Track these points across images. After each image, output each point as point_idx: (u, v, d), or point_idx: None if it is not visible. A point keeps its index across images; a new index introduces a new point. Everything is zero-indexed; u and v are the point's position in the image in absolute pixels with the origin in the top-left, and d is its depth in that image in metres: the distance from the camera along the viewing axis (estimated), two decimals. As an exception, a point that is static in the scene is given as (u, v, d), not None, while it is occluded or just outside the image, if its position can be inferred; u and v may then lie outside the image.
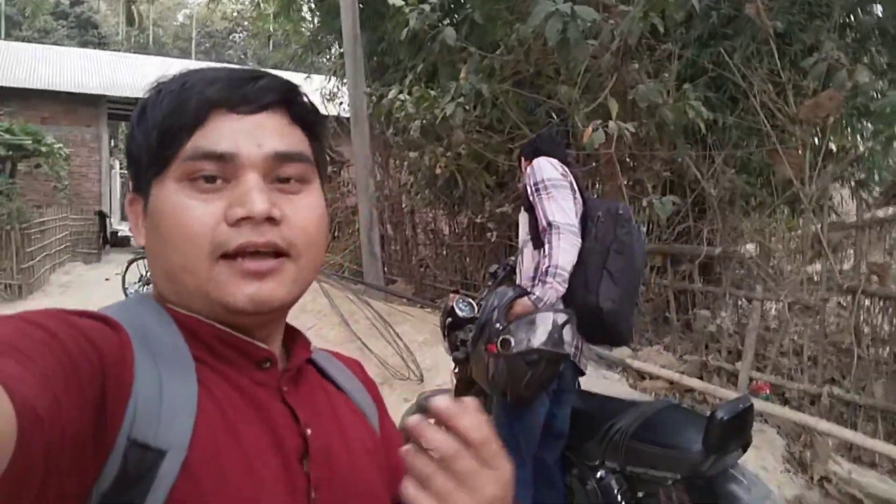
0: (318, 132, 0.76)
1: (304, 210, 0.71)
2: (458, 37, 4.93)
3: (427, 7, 4.71)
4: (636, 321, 4.74)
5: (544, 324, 2.35)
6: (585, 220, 2.56)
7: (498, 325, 2.39)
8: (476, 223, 7.54)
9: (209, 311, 0.68)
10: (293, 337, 0.80)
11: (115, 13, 38.67)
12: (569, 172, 2.64)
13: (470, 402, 0.57)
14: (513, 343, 2.32)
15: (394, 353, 5.41)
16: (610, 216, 2.52)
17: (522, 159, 2.86)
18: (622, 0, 4.56)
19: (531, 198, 2.55)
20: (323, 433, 0.73)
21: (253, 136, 0.68)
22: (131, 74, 17.61)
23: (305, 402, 0.74)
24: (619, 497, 2.35)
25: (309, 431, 0.71)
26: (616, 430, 2.37)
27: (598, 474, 2.41)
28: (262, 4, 11.51)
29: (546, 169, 2.55)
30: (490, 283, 2.98)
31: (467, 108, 5.29)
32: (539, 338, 2.32)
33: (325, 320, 5.92)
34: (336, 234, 10.17)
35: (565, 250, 2.40)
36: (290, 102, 0.72)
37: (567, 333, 2.37)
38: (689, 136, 5.50)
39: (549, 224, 2.44)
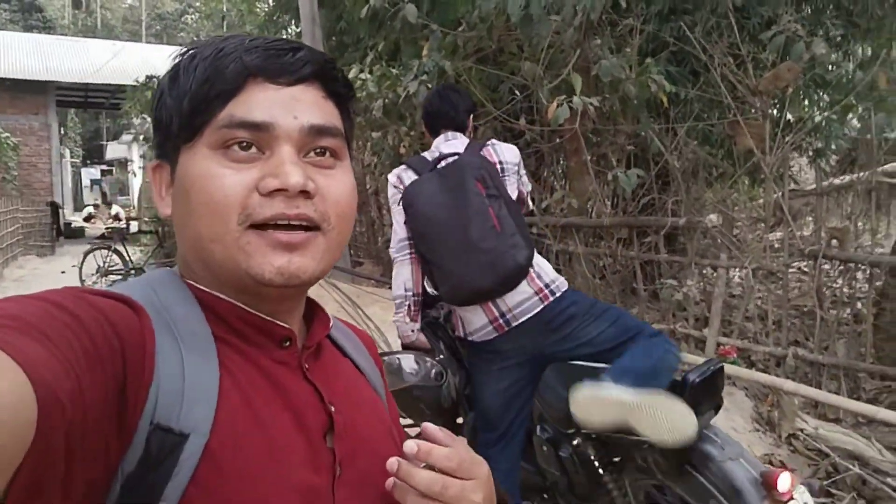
0: (349, 108, 0.76)
1: (338, 184, 0.70)
2: (420, 14, 4.88)
3: (388, -17, 4.66)
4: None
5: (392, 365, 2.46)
6: None
7: None
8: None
9: (236, 283, 0.67)
10: (313, 311, 0.79)
11: (60, -4, 37.39)
12: (423, 156, 2.51)
13: (434, 431, 0.68)
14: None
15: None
16: (405, 210, 2.37)
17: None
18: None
19: None
20: (345, 409, 0.73)
21: (289, 107, 0.67)
22: (80, 59, 17.05)
23: (326, 379, 0.74)
24: (595, 462, 2.38)
25: (333, 408, 0.71)
26: None
27: (574, 441, 2.42)
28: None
29: (389, 187, 2.49)
30: None
31: (430, 85, 5.26)
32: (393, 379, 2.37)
33: (294, 304, 5.87)
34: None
35: (396, 274, 2.47)
36: (326, 76, 0.71)
37: (408, 367, 2.45)
38: (653, 110, 5.56)
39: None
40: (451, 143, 2.49)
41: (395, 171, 2.49)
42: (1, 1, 29.41)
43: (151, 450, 0.57)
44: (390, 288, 7.01)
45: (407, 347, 2.63)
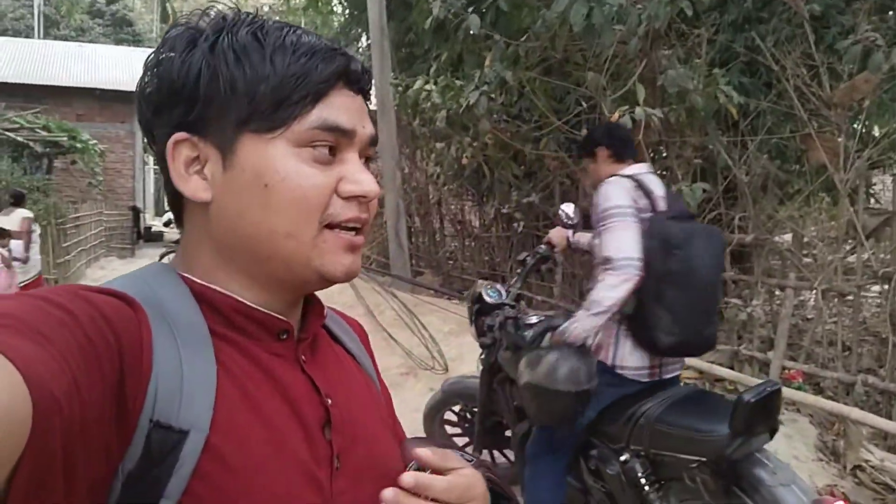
0: None
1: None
2: (484, 24, 4.89)
3: (450, -5, 4.68)
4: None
5: (548, 360, 2.34)
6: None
7: (522, 351, 2.48)
8: (503, 213, 7.50)
9: (291, 278, 0.69)
10: (308, 301, 0.78)
11: (150, 10, 39.28)
12: (638, 180, 2.45)
13: (429, 456, 0.69)
14: (526, 377, 2.36)
15: (419, 344, 5.41)
16: (661, 243, 2.34)
17: (584, 156, 2.72)
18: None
19: (598, 227, 2.44)
20: (342, 401, 0.73)
21: (361, 115, 0.70)
22: (164, 71, 17.87)
23: (323, 371, 0.74)
24: (643, 480, 2.34)
25: (330, 401, 0.71)
26: (642, 414, 2.36)
27: (622, 457, 2.40)
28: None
29: (611, 195, 2.39)
30: (519, 272, 2.99)
31: (492, 97, 5.25)
32: (538, 374, 2.32)
33: (350, 311, 5.84)
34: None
35: (612, 286, 2.30)
36: (368, 88, 0.74)
37: (581, 372, 2.32)
38: (722, 122, 5.39)
39: (605, 259, 2.34)
40: (650, 179, 2.49)
41: (620, 183, 2.41)
42: (95, 16, 31.15)
43: (152, 447, 0.57)
44: (449, 298, 6.98)
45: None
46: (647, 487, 2.33)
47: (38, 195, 10.52)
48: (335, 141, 0.68)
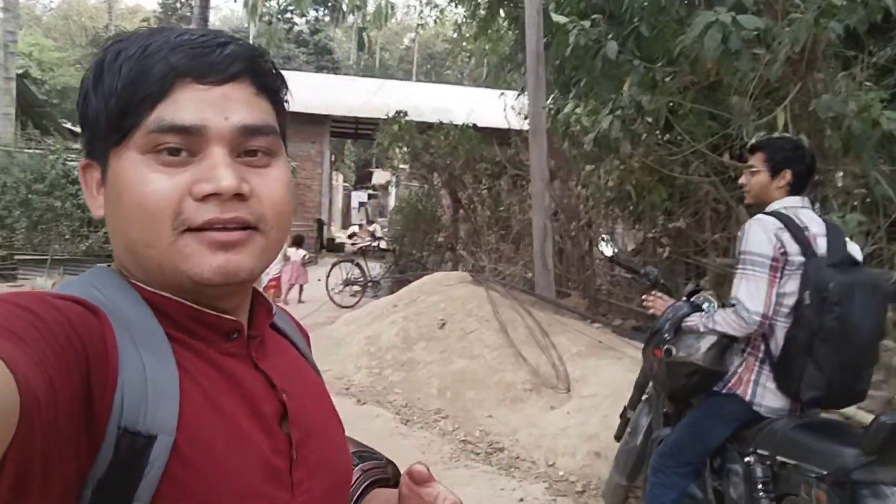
0: (282, 101, 0.74)
1: (273, 183, 0.69)
2: (624, 50, 4.93)
3: (587, 23, 4.78)
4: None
5: (707, 342, 2.55)
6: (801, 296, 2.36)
7: (666, 335, 2.70)
8: (649, 238, 7.36)
9: (174, 284, 0.67)
10: (254, 299, 0.78)
11: (349, 39, 42.57)
12: (789, 218, 2.38)
13: (423, 472, 0.76)
14: (674, 352, 2.62)
15: (546, 362, 5.50)
16: (817, 296, 2.28)
17: (760, 154, 2.56)
18: (795, 6, 4.29)
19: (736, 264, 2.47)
20: (295, 394, 0.75)
21: (220, 108, 0.66)
22: (352, 95, 19.37)
23: (274, 365, 0.75)
24: (759, 484, 2.36)
25: (285, 395, 0.73)
26: (775, 423, 2.42)
27: (747, 459, 2.44)
28: (462, 27, 12.14)
29: (752, 240, 2.37)
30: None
31: (634, 121, 5.26)
32: (698, 354, 2.55)
33: (486, 325, 6.17)
34: (518, 245, 10.41)
35: (728, 324, 2.44)
36: (257, 71, 0.70)
37: (728, 355, 2.57)
38: (884, 149, 4.96)
39: (732, 298, 2.42)
40: (805, 215, 2.45)
41: (765, 226, 2.39)
42: (300, 45, 34.37)
43: (121, 453, 0.58)
44: (592, 322, 6.95)
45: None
46: (762, 496, 2.34)
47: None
48: (183, 141, 0.65)
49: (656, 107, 4.88)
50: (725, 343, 2.55)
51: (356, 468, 0.91)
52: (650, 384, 3.09)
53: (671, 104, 5.38)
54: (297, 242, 11.97)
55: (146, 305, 0.67)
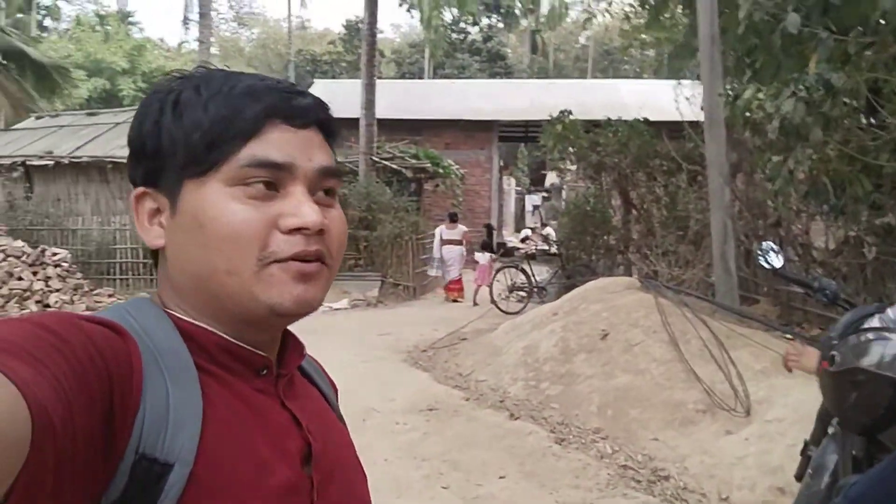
0: (335, 148, 0.80)
1: (337, 221, 0.74)
2: (810, 23, 4.24)
3: (763, -8, 4.16)
4: None
5: (882, 345, 2.01)
6: None
7: (834, 340, 2.18)
8: (852, 237, 6.36)
9: (238, 314, 0.70)
10: (285, 339, 0.80)
11: (522, 43, 42.58)
12: None
13: None
14: (838, 359, 2.08)
15: (723, 380, 4.88)
16: None
17: None
18: None
19: None
20: (319, 436, 0.75)
21: (305, 149, 0.71)
22: (520, 98, 19.22)
23: (301, 406, 0.76)
24: None
25: (311, 436, 0.74)
26: None
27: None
28: (631, 17, 11.48)
29: None
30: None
31: (823, 102, 4.50)
32: (869, 358, 2.01)
33: (653, 337, 5.63)
34: (698, 247, 9.57)
35: None
36: (325, 120, 0.75)
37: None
38: None
39: None
40: None
41: None
42: (473, 53, 34.87)
43: (137, 478, 0.58)
44: (785, 334, 6.20)
45: None
46: None
47: (402, 213, 12.16)
48: (272, 176, 0.68)
49: (851, 85, 4.11)
50: None
51: None
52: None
53: (875, 81, 4.56)
54: (485, 247, 12.94)
55: (178, 335, 0.68)
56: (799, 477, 2.78)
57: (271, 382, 0.74)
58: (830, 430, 2.53)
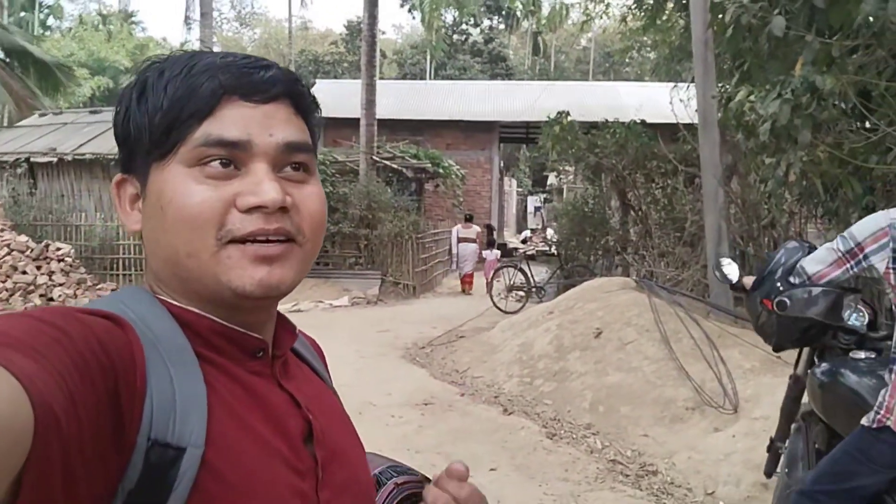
0: (314, 123, 0.78)
1: (311, 198, 0.72)
2: (795, 26, 4.32)
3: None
4: None
5: (826, 296, 2.31)
6: None
7: (779, 284, 2.43)
8: (844, 239, 6.42)
9: (213, 296, 0.69)
10: (277, 320, 0.80)
11: (524, 45, 42.64)
12: None
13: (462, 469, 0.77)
14: (788, 305, 2.35)
15: (713, 379, 4.96)
16: None
17: None
18: None
19: None
20: (319, 415, 0.76)
21: (264, 125, 0.69)
22: (521, 100, 19.29)
23: (298, 386, 0.77)
24: None
25: (311, 415, 0.74)
26: None
27: None
28: (627, 20, 11.56)
29: None
30: None
31: (808, 105, 4.58)
32: (817, 308, 2.32)
33: (646, 336, 5.71)
34: (695, 248, 9.64)
35: None
36: (295, 93, 0.74)
37: (848, 311, 2.36)
38: None
39: None
40: None
41: None
42: (475, 55, 34.98)
43: (151, 465, 0.58)
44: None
45: None
46: None
47: (402, 213, 12.25)
48: (228, 154, 0.67)
49: (838, 88, 4.20)
50: (847, 299, 2.35)
51: (389, 481, 0.88)
52: (801, 409, 2.61)
53: (865, 84, 4.63)
54: (491, 244, 14.06)
55: (174, 321, 0.68)
56: (769, 473, 2.87)
57: (267, 364, 0.74)
58: (794, 426, 2.63)
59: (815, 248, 2.39)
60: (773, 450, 2.84)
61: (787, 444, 2.71)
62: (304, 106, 0.75)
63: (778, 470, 2.79)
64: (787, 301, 2.34)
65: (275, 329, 0.78)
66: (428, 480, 0.90)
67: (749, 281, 2.65)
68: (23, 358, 0.48)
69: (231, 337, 0.71)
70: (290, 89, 0.73)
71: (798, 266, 2.36)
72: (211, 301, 0.69)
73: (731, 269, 2.72)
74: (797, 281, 2.36)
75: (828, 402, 2.39)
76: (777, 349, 2.73)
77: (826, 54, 4.17)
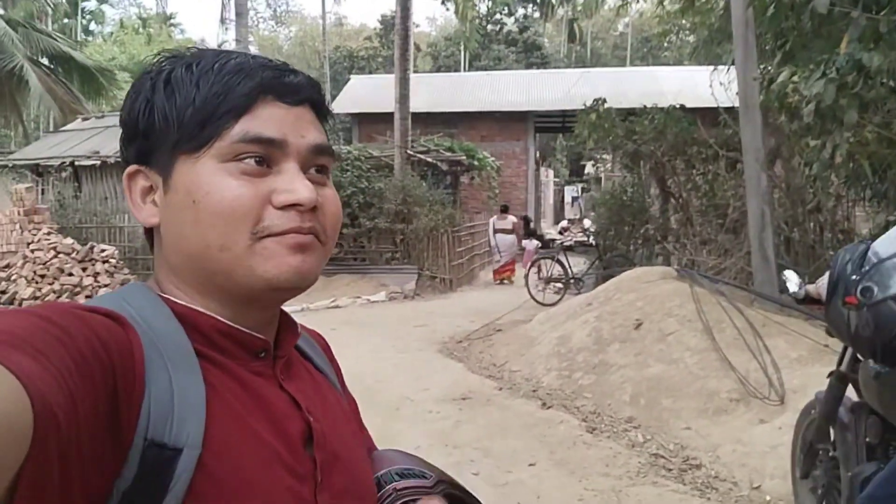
0: (327, 129, 0.80)
1: (330, 200, 0.74)
2: (839, 1, 4.14)
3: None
4: None
5: None
6: None
7: (854, 276, 2.14)
8: (892, 222, 6.18)
9: (234, 290, 0.70)
10: (280, 320, 0.80)
11: (559, 32, 42.14)
12: None
13: None
14: (876, 290, 2.05)
15: (757, 369, 4.82)
16: None
17: None
18: None
19: None
20: (319, 416, 0.75)
21: (296, 126, 0.71)
22: (556, 89, 19.05)
23: (299, 387, 0.76)
24: None
25: (311, 417, 0.74)
26: None
27: None
28: (665, 2, 11.28)
29: None
30: None
31: (856, 84, 4.39)
32: None
33: (688, 326, 5.58)
34: (738, 235, 9.40)
35: None
36: (316, 100, 0.76)
37: None
38: None
39: None
40: None
41: None
42: (509, 45, 34.70)
43: (147, 465, 0.58)
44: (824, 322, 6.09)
45: None
46: None
47: (438, 207, 12.22)
48: (264, 152, 0.68)
49: (886, 65, 4.01)
50: None
51: (389, 486, 0.86)
52: (843, 398, 2.49)
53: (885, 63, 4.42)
54: (531, 234, 14.65)
55: (176, 321, 0.68)
56: (805, 474, 2.76)
57: (269, 365, 0.74)
58: (845, 418, 2.49)
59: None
60: (812, 451, 2.73)
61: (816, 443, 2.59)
62: (323, 112, 0.77)
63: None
64: (873, 285, 2.05)
65: (277, 330, 0.78)
66: (443, 482, 0.89)
67: (820, 289, 2.43)
68: (23, 356, 0.48)
69: (234, 336, 0.71)
70: (314, 95, 0.75)
71: (870, 252, 2.13)
72: (230, 296, 0.70)
73: (794, 281, 2.53)
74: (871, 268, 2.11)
75: (886, 394, 2.26)
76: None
77: (873, 30, 3.98)
